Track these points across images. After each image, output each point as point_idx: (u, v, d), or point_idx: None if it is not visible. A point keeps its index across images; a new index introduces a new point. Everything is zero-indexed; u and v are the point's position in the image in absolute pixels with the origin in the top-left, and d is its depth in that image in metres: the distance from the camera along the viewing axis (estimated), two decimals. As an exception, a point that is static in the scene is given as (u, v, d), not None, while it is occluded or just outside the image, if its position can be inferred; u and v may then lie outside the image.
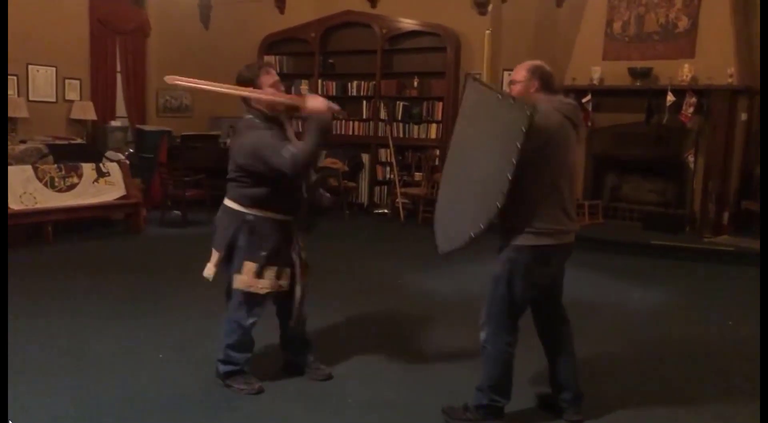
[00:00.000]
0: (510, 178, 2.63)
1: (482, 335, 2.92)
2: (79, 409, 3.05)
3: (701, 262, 6.46)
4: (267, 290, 3.20)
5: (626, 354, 4.02)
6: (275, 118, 3.19)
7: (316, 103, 3.04)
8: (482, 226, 2.72)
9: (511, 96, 2.80)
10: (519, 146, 2.61)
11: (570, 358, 3.06)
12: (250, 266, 3.17)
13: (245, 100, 3.20)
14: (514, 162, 2.62)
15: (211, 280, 3.25)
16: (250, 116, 3.17)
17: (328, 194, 3.53)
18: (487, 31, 3.05)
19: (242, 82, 3.17)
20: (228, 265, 3.23)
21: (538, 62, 2.96)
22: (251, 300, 3.21)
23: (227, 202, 3.24)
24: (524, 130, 2.61)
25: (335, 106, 3.14)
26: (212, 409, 3.11)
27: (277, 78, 3.19)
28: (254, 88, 3.13)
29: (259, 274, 3.17)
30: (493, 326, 2.89)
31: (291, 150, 3.00)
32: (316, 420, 3.05)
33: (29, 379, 3.32)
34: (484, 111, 2.90)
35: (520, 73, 2.92)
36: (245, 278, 3.18)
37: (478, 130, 2.91)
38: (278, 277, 3.21)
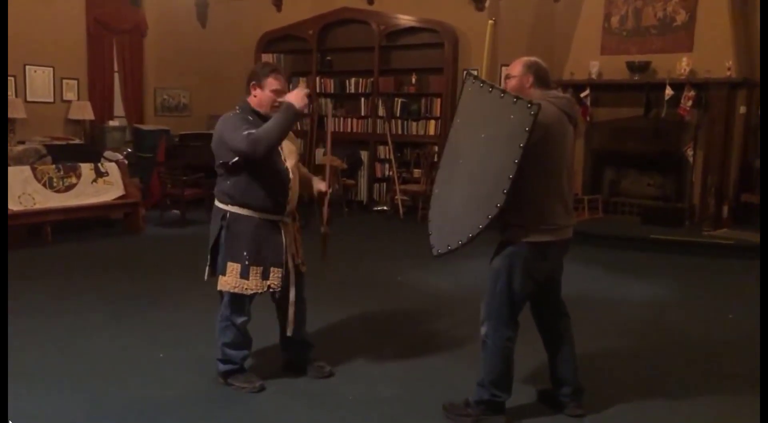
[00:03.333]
0: (512, 178, 2.63)
1: (482, 330, 2.93)
2: (79, 409, 3.04)
3: (701, 256, 6.45)
4: (253, 291, 3.15)
5: (626, 348, 4.02)
6: (262, 116, 3.13)
7: (293, 94, 3.04)
8: (481, 227, 2.71)
9: (514, 95, 2.76)
10: (522, 147, 2.61)
11: (570, 352, 3.07)
12: (233, 267, 3.13)
13: (248, 91, 3.19)
14: (516, 163, 2.63)
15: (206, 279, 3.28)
16: (234, 111, 3.14)
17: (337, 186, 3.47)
18: (491, 21, 3.01)
19: (251, 76, 3.17)
20: (216, 265, 3.22)
21: (533, 58, 2.97)
22: (239, 300, 3.19)
23: (215, 200, 3.25)
24: (528, 131, 2.61)
25: (306, 96, 3.06)
26: (213, 407, 3.10)
27: (281, 87, 3.15)
28: (258, 85, 3.14)
29: (243, 275, 3.12)
30: (494, 321, 2.89)
31: (250, 130, 2.97)
32: (317, 417, 3.05)
33: (29, 380, 3.32)
34: (484, 109, 2.87)
35: (516, 68, 2.94)
36: (229, 279, 3.14)
37: (478, 128, 2.88)
38: (265, 277, 3.15)
